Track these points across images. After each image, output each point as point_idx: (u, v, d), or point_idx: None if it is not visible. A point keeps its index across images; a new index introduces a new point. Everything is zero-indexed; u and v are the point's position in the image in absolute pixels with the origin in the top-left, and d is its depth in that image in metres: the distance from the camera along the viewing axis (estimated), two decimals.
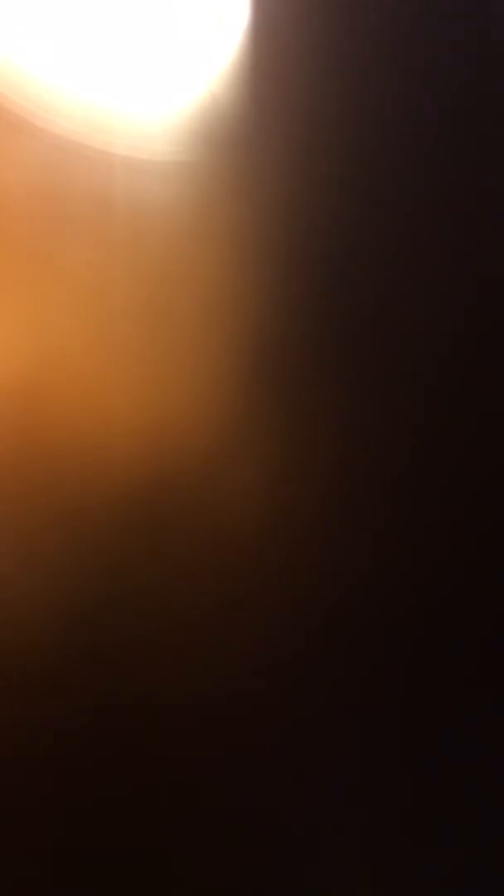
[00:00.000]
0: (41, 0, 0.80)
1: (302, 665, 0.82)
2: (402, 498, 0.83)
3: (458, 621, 0.83)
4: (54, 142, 0.79)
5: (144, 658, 0.80)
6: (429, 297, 0.84)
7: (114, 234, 0.81)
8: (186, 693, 0.80)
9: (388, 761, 0.82)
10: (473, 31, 0.84)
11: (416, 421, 0.84)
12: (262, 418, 0.82)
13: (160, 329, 0.82)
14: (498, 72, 0.84)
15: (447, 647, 0.83)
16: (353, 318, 0.83)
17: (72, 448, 0.80)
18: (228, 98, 0.81)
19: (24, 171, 0.80)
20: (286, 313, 0.82)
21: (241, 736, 0.80)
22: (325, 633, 0.82)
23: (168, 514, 0.81)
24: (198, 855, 0.80)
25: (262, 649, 0.81)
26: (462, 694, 0.83)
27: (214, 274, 0.82)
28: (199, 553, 0.81)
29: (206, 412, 0.81)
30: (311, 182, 0.82)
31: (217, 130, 0.82)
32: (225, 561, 0.81)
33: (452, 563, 0.83)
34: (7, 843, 0.78)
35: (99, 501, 0.80)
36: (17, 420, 0.80)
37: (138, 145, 0.81)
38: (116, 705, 0.79)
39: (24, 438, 0.80)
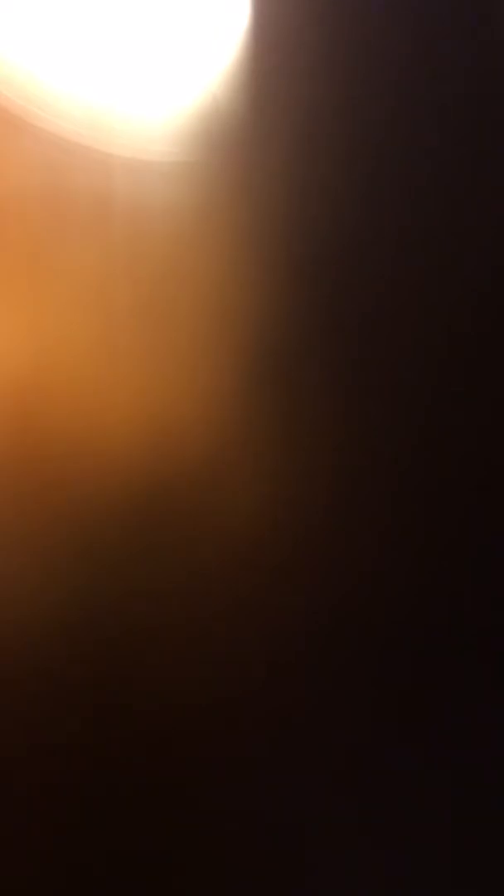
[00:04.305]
0: (42, 1, 0.80)
1: (302, 667, 0.82)
2: (403, 501, 0.83)
3: (460, 622, 0.83)
4: (54, 142, 0.80)
5: (144, 659, 0.80)
6: (429, 299, 0.84)
7: (114, 234, 0.81)
8: (187, 693, 0.80)
9: (391, 761, 0.82)
10: (475, 32, 0.84)
11: (416, 423, 0.84)
12: (262, 420, 0.82)
13: (160, 330, 0.82)
14: (500, 72, 0.84)
15: (449, 647, 0.83)
16: (354, 319, 0.83)
17: (72, 450, 0.80)
18: (228, 98, 0.81)
19: (25, 172, 0.80)
20: (286, 314, 0.82)
21: (242, 736, 0.80)
22: (326, 635, 0.82)
23: (168, 515, 0.81)
24: (198, 855, 0.80)
25: (263, 650, 0.81)
26: (465, 694, 0.83)
27: (215, 275, 0.82)
28: (199, 555, 0.81)
29: (206, 414, 0.81)
30: (311, 182, 0.82)
31: (217, 131, 0.82)
32: (225, 563, 0.81)
33: (454, 564, 0.83)
34: (7, 843, 0.78)
35: (99, 503, 0.80)
36: (16, 421, 0.80)
37: (139, 146, 0.81)
38: (117, 705, 0.79)
39: (24, 440, 0.80)
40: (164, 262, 0.82)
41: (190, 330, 0.82)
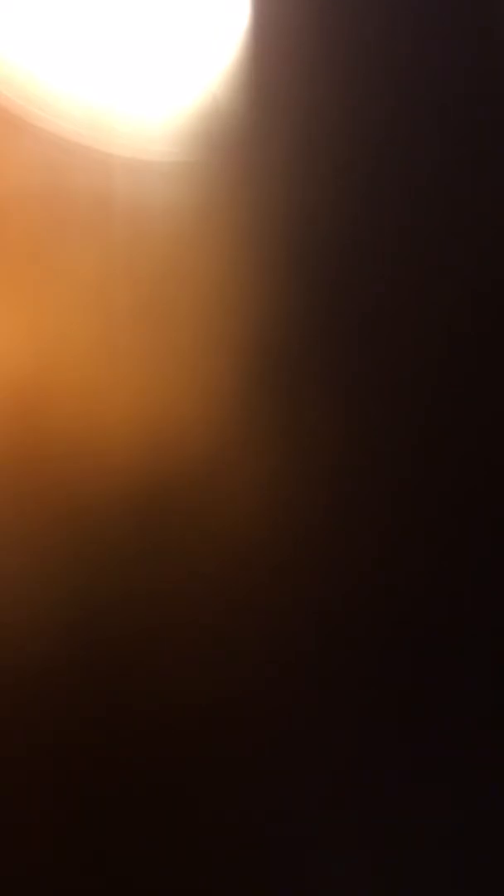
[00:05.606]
0: (42, 1, 0.80)
1: (302, 667, 0.82)
2: (403, 501, 0.83)
3: (460, 622, 0.83)
4: (54, 142, 0.80)
5: (144, 659, 0.80)
6: (429, 299, 0.84)
7: (114, 234, 0.81)
8: (187, 693, 0.80)
9: (391, 761, 0.82)
10: (475, 32, 0.84)
11: (415, 421, 0.84)
12: (262, 419, 0.82)
13: (160, 330, 0.82)
14: (500, 72, 0.84)
15: (449, 647, 0.83)
16: (353, 318, 0.83)
17: (72, 450, 0.80)
18: (228, 98, 0.81)
19: (25, 172, 0.80)
20: (286, 314, 0.82)
21: (242, 736, 0.80)
22: (326, 635, 0.82)
23: (168, 515, 0.81)
24: (198, 854, 0.80)
25: (263, 650, 0.81)
26: (465, 694, 0.83)
27: (214, 275, 0.82)
28: (199, 555, 0.81)
29: (206, 414, 0.81)
30: (311, 182, 0.82)
31: (217, 131, 0.82)
32: (225, 562, 0.81)
33: (454, 564, 0.83)
34: (7, 842, 0.78)
35: (99, 503, 0.80)
36: (16, 421, 0.80)
37: (139, 146, 0.81)
38: (117, 705, 0.79)
39: (24, 440, 0.80)
40: (164, 262, 0.82)
41: (190, 330, 0.82)
